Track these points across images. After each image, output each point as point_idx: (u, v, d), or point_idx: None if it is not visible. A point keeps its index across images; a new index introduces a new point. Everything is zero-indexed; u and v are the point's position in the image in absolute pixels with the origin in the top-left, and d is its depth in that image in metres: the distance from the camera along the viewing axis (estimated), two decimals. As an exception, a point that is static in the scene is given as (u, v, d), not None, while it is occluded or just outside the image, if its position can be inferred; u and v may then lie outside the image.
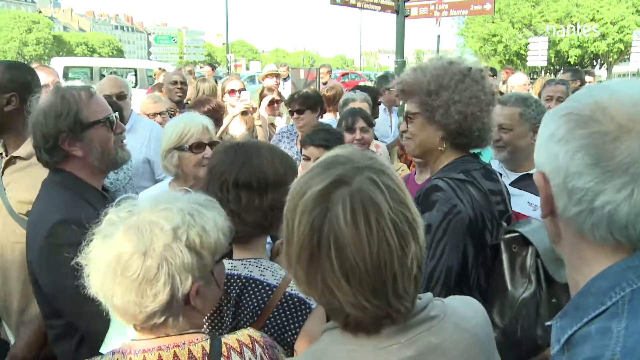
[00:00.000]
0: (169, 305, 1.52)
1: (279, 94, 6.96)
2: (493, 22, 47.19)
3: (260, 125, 6.10)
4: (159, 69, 12.57)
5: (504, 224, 2.35)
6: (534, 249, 2.22)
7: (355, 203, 1.24)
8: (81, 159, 2.41)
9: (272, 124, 6.57)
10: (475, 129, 2.34)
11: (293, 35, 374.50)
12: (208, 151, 3.17)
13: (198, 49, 34.13)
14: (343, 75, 37.33)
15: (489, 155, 4.08)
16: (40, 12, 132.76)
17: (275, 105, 6.68)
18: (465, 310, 1.49)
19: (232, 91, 6.59)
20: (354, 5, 10.83)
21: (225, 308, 2.00)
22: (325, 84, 13.01)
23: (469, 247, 2.23)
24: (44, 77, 5.59)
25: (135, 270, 1.48)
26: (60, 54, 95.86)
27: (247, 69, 30.97)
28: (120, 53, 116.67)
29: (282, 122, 6.84)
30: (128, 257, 1.48)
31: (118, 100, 4.82)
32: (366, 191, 1.25)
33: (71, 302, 2.10)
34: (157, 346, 1.55)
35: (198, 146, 3.18)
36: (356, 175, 1.27)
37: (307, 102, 5.27)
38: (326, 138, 3.59)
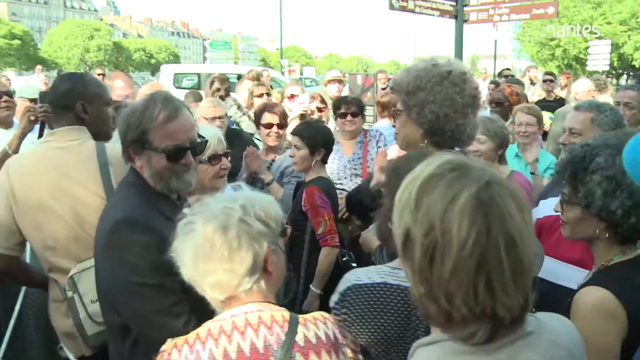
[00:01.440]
0: (253, 269, 1.79)
1: (323, 100, 6.83)
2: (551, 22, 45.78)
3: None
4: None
5: None
6: None
7: (518, 201, 1.27)
8: (141, 170, 2.46)
9: None
10: (448, 130, 2.48)
11: (346, 40, 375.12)
12: (225, 162, 3.21)
13: (252, 54, 34.60)
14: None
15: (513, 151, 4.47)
16: (101, 19, 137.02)
17: (322, 113, 6.60)
18: (558, 326, 1.48)
19: (292, 96, 6.60)
20: (412, 11, 10.73)
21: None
22: (384, 89, 12.90)
23: None
24: (122, 87, 5.72)
25: (221, 243, 1.76)
26: (119, 59, 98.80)
27: (301, 74, 31.03)
28: (176, 58, 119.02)
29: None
30: (212, 234, 1.77)
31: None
32: (512, 188, 1.30)
33: (126, 300, 2.18)
34: (244, 311, 1.81)
35: (215, 157, 3.18)
36: (493, 176, 1.31)
37: (361, 107, 5.32)
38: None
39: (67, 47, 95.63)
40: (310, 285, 3.92)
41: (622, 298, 1.97)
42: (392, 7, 10.20)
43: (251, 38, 35.58)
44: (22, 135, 4.09)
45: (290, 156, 4.19)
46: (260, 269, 1.83)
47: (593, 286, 2.06)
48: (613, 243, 2.16)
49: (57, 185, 2.90)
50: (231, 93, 6.68)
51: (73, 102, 3.08)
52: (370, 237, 3.02)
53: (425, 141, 2.55)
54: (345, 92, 11.20)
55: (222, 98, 6.56)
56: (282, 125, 4.97)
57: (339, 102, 5.39)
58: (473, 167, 1.32)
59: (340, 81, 8.50)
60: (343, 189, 4.90)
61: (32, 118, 3.98)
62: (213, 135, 3.21)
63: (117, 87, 5.92)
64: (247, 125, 6.43)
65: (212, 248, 1.77)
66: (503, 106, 6.29)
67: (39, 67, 18.55)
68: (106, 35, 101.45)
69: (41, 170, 2.94)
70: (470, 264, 1.21)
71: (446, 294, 1.25)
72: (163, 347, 1.81)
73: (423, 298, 1.31)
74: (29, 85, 7.25)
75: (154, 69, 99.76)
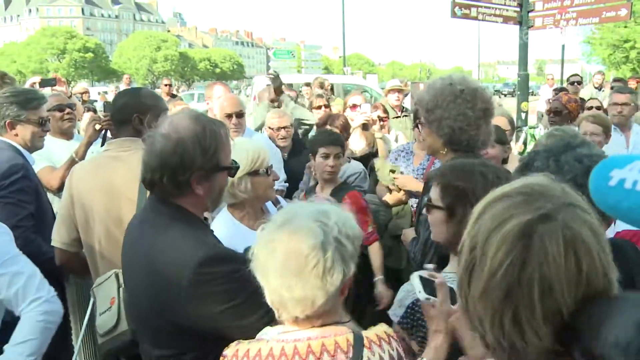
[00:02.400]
0: (337, 291, 1.75)
1: (385, 109, 6.79)
2: (626, 27, 43.81)
3: (381, 138, 6.03)
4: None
5: None
6: None
7: (566, 241, 1.14)
8: (199, 197, 2.31)
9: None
10: (464, 140, 2.92)
11: (409, 47, 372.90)
12: (275, 173, 3.26)
13: (315, 63, 34.62)
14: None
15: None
16: (168, 31, 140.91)
17: (384, 123, 6.54)
18: None
19: (354, 106, 6.55)
20: (475, 18, 10.53)
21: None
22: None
23: None
24: (220, 91, 5.85)
25: (317, 262, 1.69)
26: (185, 69, 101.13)
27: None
28: (240, 67, 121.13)
29: (391, 137, 6.65)
30: (309, 250, 1.70)
31: (238, 119, 4.96)
32: (576, 229, 1.15)
33: (231, 322, 2.12)
34: (307, 337, 1.76)
35: (270, 168, 3.23)
36: (563, 211, 1.18)
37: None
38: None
39: (135, 58, 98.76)
40: (378, 277, 4.22)
41: None
42: (454, 15, 10.05)
43: (314, 47, 35.58)
44: (88, 144, 4.30)
45: (331, 166, 4.25)
46: (338, 293, 1.79)
47: None
48: None
49: (105, 191, 3.08)
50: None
51: (129, 115, 3.25)
52: (408, 232, 3.38)
53: (446, 149, 3.00)
54: (407, 101, 11.12)
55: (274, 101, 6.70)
56: (345, 137, 4.96)
57: (418, 112, 5.35)
58: (546, 195, 1.23)
59: (400, 90, 8.40)
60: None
61: (97, 127, 4.17)
62: (263, 146, 3.27)
63: (217, 94, 6.07)
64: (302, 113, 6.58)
65: (306, 264, 1.71)
66: (562, 115, 6.15)
67: (126, 76, 18.89)
68: (173, 46, 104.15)
69: (94, 176, 3.16)
70: (498, 292, 1.17)
71: (477, 315, 1.24)
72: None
73: (461, 309, 1.33)
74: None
75: (219, 78, 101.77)
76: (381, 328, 1.87)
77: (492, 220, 1.23)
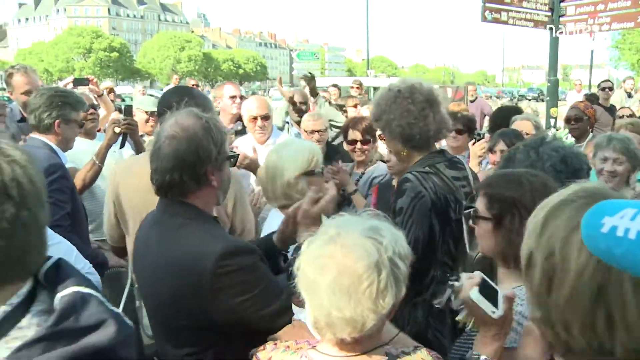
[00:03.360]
0: (389, 314, 1.68)
1: None
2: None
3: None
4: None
5: (464, 202, 2.97)
6: None
7: None
8: (213, 190, 2.37)
9: None
10: (415, 134, 3.05)
11: (433, 50, 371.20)
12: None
13: (339, 65, 34.68)
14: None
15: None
16: (192, 32, 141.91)
17: None
18: None
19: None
20: (505, 22, 10.41)
21: None
22: (472, 101, 12.62)
23: (434, 223, 2.97)
24: (232, 90, 5.88)
25: (370, 283, 1.60)
26: (209, 70, 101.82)
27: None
28: (263, 69, 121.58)
29: None
30: (362, 271, 1.60)
31: (264, 121, 4.99)
32: None
33: (252, 312, 2.16)
34: None
35: (323, 169, 3.30)
36: None
37: (470, 125, 5.33)
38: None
39: (159, 58, 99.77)
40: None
41: None
42: (484, 19, 9.93)
43: (338, 49, 35.65)
44: (108, 146, 4.31)
45: (386, 160, 4.21)
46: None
47: None
48: None
49: (150, 189, 3.04)
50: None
51: None
52: None
53: (405, 149, 3.15)
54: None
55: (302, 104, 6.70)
56: (367, 140, 4.91)
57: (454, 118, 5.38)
58: (607, 194, 1.27)
59: None
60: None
61: (117, 130, 4.25)
62: (316, 147, 3.38)
63: (227, 93, 6.10)
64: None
65: (360, 284, 1.61)
66: (582, 121, 6.10)
67: (176, 77, 18.21)
68: (196, 46, 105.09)
69: (140, 175, 3.06)
70: (587, 294, 1.16)
71: (563, 321, 1.22)
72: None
73: (539, 322, 1.30)
74: (147, 97, 7.50)
75: (242, 79, 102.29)
76: (419, 354, 1.79)
77: (566, 224, 1.23)
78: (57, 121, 3.78)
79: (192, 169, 2.26)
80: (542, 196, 1.39)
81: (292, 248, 2.53)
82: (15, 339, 1.16)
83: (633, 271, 1.10)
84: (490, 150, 4.39)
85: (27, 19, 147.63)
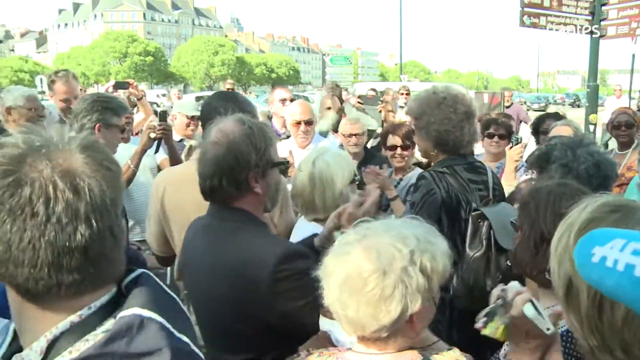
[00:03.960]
0: (395, 322, 1.63)
1: None
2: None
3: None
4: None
5: (474, 204, 3.18)
6: (489, 222, 3.03)
7: None
8: (257, 197, 2.35)
9: None
10: (450, 141, 3.23)
11: (466, 55, 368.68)
12: None
13: (371, 69, 34.58)
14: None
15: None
16: (226, 36, 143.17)
17: None
18: None
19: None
20: (544, 27, 10.23)
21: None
22: (508, 107, 12.43)
23: (443, 218, 3.12)
24: (282, 94, 5.92)
25: (373, 287, 1.60)
26: (242, 74, 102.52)
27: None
28: (296, 73, 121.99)
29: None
30: (368, 274, 1.61)
31: (307, 126, 4.99)
32: None
33: (309, 317, 2.17)
34: None
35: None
36: None
37: (511, 131, 5.32)
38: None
39: (193, 62, 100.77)
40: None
41: None
42: (522, 24, 9.78)
43: (371, 53, 35.68)
44: (143, 151, 4.36)
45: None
46: (403, 324, 1.67)
47: None
48: None
49: (199, 198, 3.00)
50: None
51: None
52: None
53: (435, 151, 3.32)
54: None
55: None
56: (407, 146, 4.88)
57: (488, 122, 5.38)
58: (636, 207, 1.28)
59: None
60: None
61: (152, 136, 4.29)
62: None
63: (277, 97, 6.14)
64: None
65: (363, 286, 1.62)
66: (633, 127, 5.94)
67: (230, 81, 17.70)
68: (230, 50, 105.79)
69: (187, 184, 3.04)
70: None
71: (622, 344, 1.18)
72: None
73: (596, 350, 1.24)
74: (188, 101, 7.55)
75: (275, 83, 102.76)
76: (453, 354, 1.78)
77: None
78: (97, 125, 3.82)
79: (230, 175, 2.27)
80: (566, 205, 1.45)
81: None
82: (78, 352, 1.13)
83: (625, 302, 1.10)
84: None
85: (66, 25, 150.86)
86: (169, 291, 1.32)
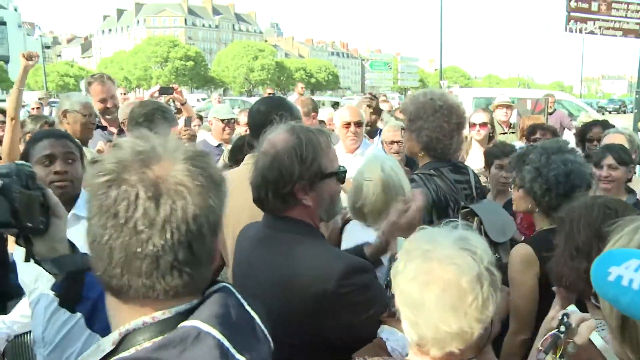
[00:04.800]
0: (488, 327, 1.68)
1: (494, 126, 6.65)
2: None
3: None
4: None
5: (462, 202, 3.28)
6: (479, 219, 3.14)
7: None
8: (308, 209, 2.26)
9: None
10: (438, 148, 3.33)
11: (506, 60, 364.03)
12: None
13: (411, 75, 34.34)
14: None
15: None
16: (265, 41, 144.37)
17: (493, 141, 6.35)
18: None
19: (473, 125, 6.23)
20: (592, 32, 9.93)
21: None
22: (551, 114, 12.08)
23: (434, 218, 3.12)
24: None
25: (475, 295, 1.60)
26: (281, 78, 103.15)
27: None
28: (335, 78, 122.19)
29: None
30: (468, 285, 1.61)
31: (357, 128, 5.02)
32: None
33: (369, 331, 2.12)
34: None
35: None
36: None
37: (556, 135, 5.38)
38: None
39: (233, 66, 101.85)
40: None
41: (536, 251, 2.89)
42: (568, 29, 9.50)
43: (411, 59, 35.31)
44: None
45: (504, 177, 4.35)
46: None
47: (522, 244, 3.09)
48: (543, 216, 3.12)
49: (250, 204, 2.93)
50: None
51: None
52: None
53: (423, 153, 3.41)
54: (514, 117, 10.61)
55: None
56: None
57: (534, 128, 5.48)
58: None
59: (508, 106, 8.08)
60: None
61: None
62: None
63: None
64: None
65: (465, 299, 1.62)
66: None
67: (270, 89, 17.42)
68: (269, 55, 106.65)
69: (239, 190, 2.97)
70: None
71: None
72: None
73: None
74: (222, 106, 7.59)
75: (314, 88, 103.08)
76: None
77: None
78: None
79: (275, 188, 2.21)
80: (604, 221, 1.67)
81: (385, 258, 2.49)
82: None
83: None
84: (596, 165, 4.18)
85: (110, 30, 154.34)
86: (248, 309, 1.35)
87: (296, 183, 2.20)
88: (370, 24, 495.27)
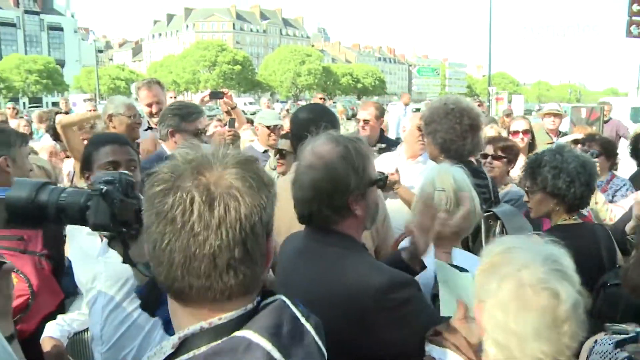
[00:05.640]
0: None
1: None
2: None
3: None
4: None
5: (483, 206, 3.25)
6: (501, 222, 3.29)
7: None
8: (358, 219, 2.23)
9: None
10: (453, 149, 3.59)
11: (557, 66, 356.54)
12: None
13: (459, 81, 33.96)
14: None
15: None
16: (312, 46, 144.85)
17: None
18: None
19: (516, 132, 6.12)
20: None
21: None
22: (606, 122, 11.74)
23: None
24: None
25: (572, 321, 1.60)
26: (328, 83, 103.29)
27: (509, 102, 29.58)
28: (382, 83, 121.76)
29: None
30: (566, 314, 1.59)
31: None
32: None
33: (411, 346, 2.06)
34: None
35: None
36: None
37: (609, 148, 5.22)
38: None
39: (280, 71, 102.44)
40: None
41: None
42: (629, 34, 9.23)
43: (458, 64, 34.92)
44: None
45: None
46: None
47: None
48: (562, 212, 3.27)
49: (290, 216, 2.92)
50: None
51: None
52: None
53: (442, 156, 3.64)
54: (565, 125, 10.35)
55: None
56: (499, 157, 4.96)
57: (585, 139, 5.43)
58: None
59: (557, 115, 7.86)
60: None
61: (221, 142, 4.70)
62: None
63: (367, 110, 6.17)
64: None
65: (562, 325, 1.62)
66: None
67: (321, 95, 16.63)
68: (316, 60, 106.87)
69: (287, 198, 2.97)
70: None
71: None
72: None
73: None
74: (268, 111, 7.64)
75: (360, 93, 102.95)
76: None
77: None
78: (170, 130, 4.21)
79: (330, 200, 2.16)
80: None
81: (429, 262, 2.43)
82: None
83: None
84: None
85: (160, 35, 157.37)
86: (303, 322, 1.38)
87: (350, 194, 2.16)
88: (418, 29, 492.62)
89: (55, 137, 7.18)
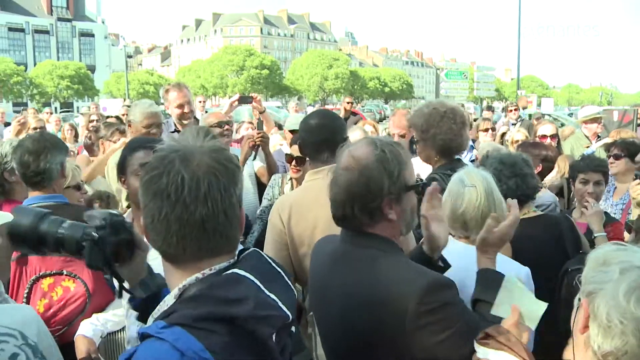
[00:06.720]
0: None
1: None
2: None
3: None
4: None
5: None
6: None
7: None
8: (392, 223, 2.23)
9: None
10: (453, 147, 3.82)
11: (587, 69, 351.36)
12: None
13: (487, 85, 33.62)
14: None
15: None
16: (340, 49, 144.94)
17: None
18: None
19: (544, 136, 6.08)
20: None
21: None
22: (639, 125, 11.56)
23: None
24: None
25: None
26: (355, 87, 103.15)
27: (539, 106, 29.14)
28: (409, 87, 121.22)
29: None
30: None
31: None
32: None
33: (451, 350, 2.05)
34: None
35: None
36: None
37: (630, 149, 5.08)
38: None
39: (308, 75, 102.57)
40: None
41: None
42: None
43: (487, 68, 34.55)
44: (244, 161, 4.84)
45: (589, 192, 4.31)
46: None
47: None
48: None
49: (322, 220, 2.97)
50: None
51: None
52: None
53: (437, 157, 3.84)
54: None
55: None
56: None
57: (610, 145, 5.40)
58: None
59: (598, 120, 7.72)
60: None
61: (251, 144, 4.78)
62: None
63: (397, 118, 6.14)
64: None
65: None
66: None
67: (349, 99, 16.29)
68: (344, 64, 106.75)
69: (309, 206, 3.12)
70: None
71: None
72: None
73: None
74: (295, 116, 7.69)
75: (388, 97, 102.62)
76: None
77: None
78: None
79: (363, 203, 2.17)
80: None
81: (452, 259, 2.46)
82: None
83: None
84: None
85: (188, 40, 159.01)
86: (275, 266, 1.75)
87: (384, 197, 2.17)
88: (446, 33, 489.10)
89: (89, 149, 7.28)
